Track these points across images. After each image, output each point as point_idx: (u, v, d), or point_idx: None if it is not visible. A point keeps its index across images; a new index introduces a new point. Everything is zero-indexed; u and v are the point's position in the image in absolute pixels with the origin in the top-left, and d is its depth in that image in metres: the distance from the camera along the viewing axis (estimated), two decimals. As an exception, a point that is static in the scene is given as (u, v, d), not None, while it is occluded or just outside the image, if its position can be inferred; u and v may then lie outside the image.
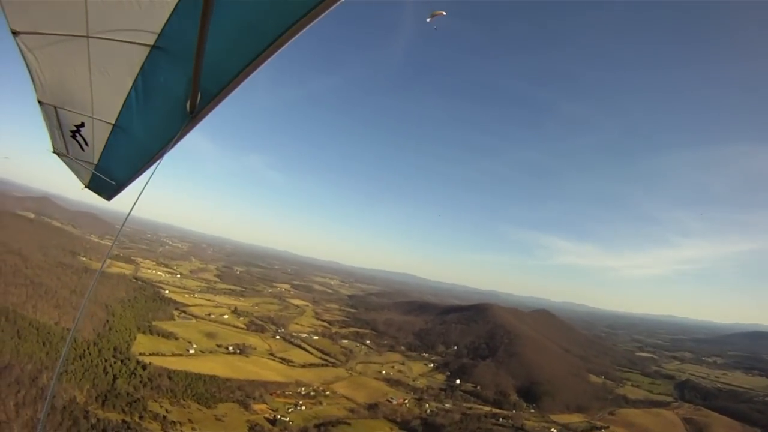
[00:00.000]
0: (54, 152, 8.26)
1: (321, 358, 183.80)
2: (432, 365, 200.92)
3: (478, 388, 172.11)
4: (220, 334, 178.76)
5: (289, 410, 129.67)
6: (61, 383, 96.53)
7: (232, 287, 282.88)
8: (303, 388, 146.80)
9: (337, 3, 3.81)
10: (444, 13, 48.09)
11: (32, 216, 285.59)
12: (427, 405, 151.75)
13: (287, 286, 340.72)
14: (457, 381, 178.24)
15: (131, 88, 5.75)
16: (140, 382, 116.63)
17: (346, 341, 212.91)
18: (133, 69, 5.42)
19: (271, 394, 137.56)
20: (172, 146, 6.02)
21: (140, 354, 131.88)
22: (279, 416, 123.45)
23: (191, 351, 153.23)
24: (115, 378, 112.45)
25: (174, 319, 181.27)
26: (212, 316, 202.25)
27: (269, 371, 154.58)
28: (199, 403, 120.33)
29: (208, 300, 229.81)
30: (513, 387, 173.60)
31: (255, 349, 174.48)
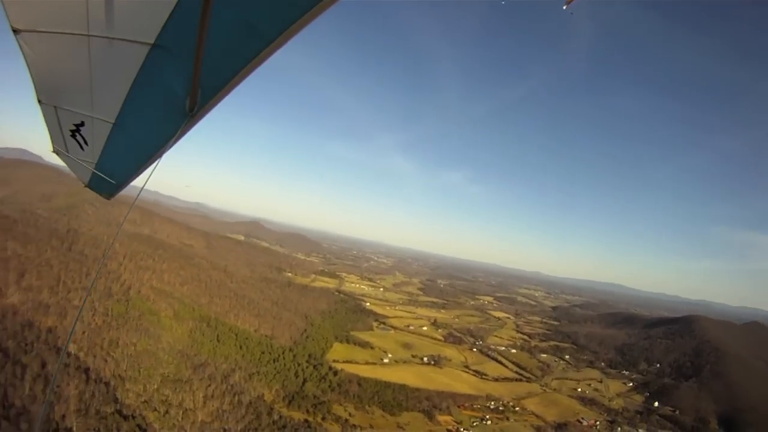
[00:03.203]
0: (53, 151, 7.81)
1: (516, 372, 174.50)
2: (631, 384, 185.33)
3: (677, 412, 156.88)
4: (416, 345, 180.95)
5: (474, 423, 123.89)
6: (251, 382, 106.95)
7: (434, 300, 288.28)
8: (492, 402, 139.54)
9: (336, 2, 3.89)
10: None
11: (241, 238, 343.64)
12: (619, 429, 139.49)
13: (490, 299, 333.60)
14: (656, 403, 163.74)
15: (131, 86, 5.58)
16: (329, 386, 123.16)
17: (544, 355, 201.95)
18: (134, 68, 5.25)
19: (458, 407, 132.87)
20: (172, 145, 5.90)
21: (334, 361, 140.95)
22: (462, 429, 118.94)
23: (385, 360, 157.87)
24: (304, 381, 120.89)
25: (372, 330, 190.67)
26: (411, 327, 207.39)
27: (460, 383, 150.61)
28: (383, 410, 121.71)
29: (409, 312, 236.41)
30: (714, 413, 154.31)
31: (450, 360, 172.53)
